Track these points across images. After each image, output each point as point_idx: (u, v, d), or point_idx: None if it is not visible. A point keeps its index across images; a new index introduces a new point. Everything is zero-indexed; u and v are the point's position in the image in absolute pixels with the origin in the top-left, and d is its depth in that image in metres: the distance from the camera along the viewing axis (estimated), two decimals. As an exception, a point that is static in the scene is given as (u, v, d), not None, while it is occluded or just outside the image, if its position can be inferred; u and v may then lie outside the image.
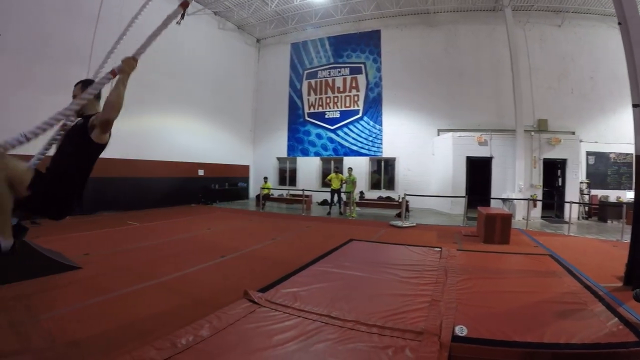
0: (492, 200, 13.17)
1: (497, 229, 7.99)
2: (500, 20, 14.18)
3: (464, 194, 12.69)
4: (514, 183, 12.98)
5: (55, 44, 10.55)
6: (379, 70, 17.29)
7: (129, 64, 2.73)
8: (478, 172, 14.03)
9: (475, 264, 5.64)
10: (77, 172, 2.74)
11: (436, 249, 6.76)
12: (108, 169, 11.83)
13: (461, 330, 3.08)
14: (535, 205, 12.67)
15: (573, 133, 13.96)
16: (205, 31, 16.64)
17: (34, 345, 3.13)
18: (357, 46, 17.80)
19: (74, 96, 2.81)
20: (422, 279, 4.78)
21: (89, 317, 3.74)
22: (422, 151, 16.19)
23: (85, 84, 2.87)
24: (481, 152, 13.75)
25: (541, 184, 13.33)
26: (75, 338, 3.25)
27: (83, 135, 2.67)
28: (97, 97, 2.85)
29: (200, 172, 16.47)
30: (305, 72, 19.05)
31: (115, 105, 2.54)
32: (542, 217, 13.08)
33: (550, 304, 3.82)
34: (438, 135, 15.85)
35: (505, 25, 13.59)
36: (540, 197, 13.16)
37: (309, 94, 19.00)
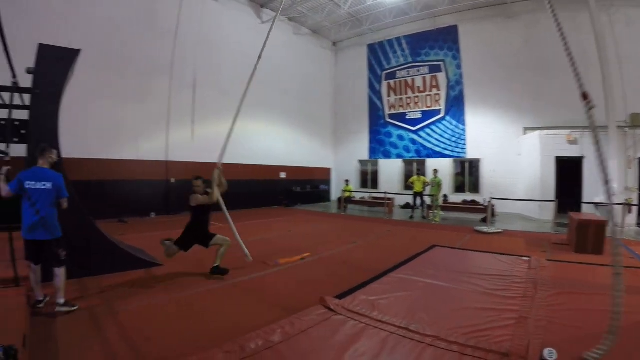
0: (583, 204, 11.94)
1: (590, 237, 7.41)
2: (582, 5, 12.67)
3: (552, 198, 11.95)
4: (608, 186, 11.70)
5: (135, 57, 11.83)
6: (459, 67, 16.79)
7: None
8: (568, 173, 12.87)
9: (567, 277, 5.42)
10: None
11: (524, 258, 6.59)
12: (192, 172, 12.89)
13: (550, 355, 2.84)
14: (630, 211, 11.22)
15: (671, 127, 12.28)
16: (281, 38, 17.24)
17: (109, 337, 3.35)
18: (435, 43, 17.44)
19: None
20: (508, 291, 4.71)
21: (162, 313, 3.99)
22: (507, 151, 15.45)
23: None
24: (571, 151, 12.64)
25: (637, 186, 11.90)
26: (148, 333, 3.42)
27: None
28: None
29: (282, 175, 17.26)
30: (384, 72, 19.08)
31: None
32: (638, 224, 11.60)
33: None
34: (524, 134, 15.01)
35: (589, 11, 12.18)
36: (635, 201, 11.67)
37: (388, 95, 19.02)
